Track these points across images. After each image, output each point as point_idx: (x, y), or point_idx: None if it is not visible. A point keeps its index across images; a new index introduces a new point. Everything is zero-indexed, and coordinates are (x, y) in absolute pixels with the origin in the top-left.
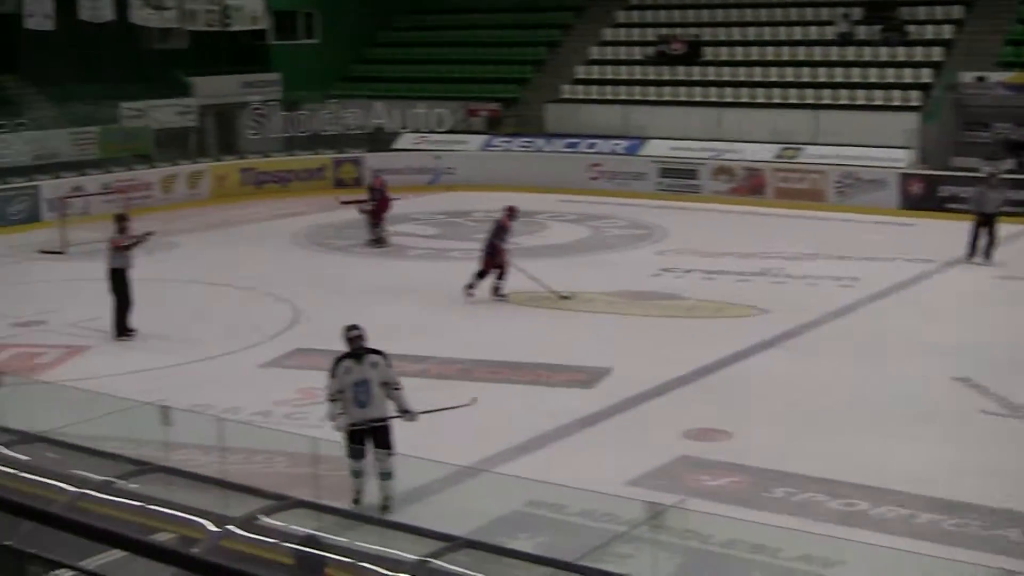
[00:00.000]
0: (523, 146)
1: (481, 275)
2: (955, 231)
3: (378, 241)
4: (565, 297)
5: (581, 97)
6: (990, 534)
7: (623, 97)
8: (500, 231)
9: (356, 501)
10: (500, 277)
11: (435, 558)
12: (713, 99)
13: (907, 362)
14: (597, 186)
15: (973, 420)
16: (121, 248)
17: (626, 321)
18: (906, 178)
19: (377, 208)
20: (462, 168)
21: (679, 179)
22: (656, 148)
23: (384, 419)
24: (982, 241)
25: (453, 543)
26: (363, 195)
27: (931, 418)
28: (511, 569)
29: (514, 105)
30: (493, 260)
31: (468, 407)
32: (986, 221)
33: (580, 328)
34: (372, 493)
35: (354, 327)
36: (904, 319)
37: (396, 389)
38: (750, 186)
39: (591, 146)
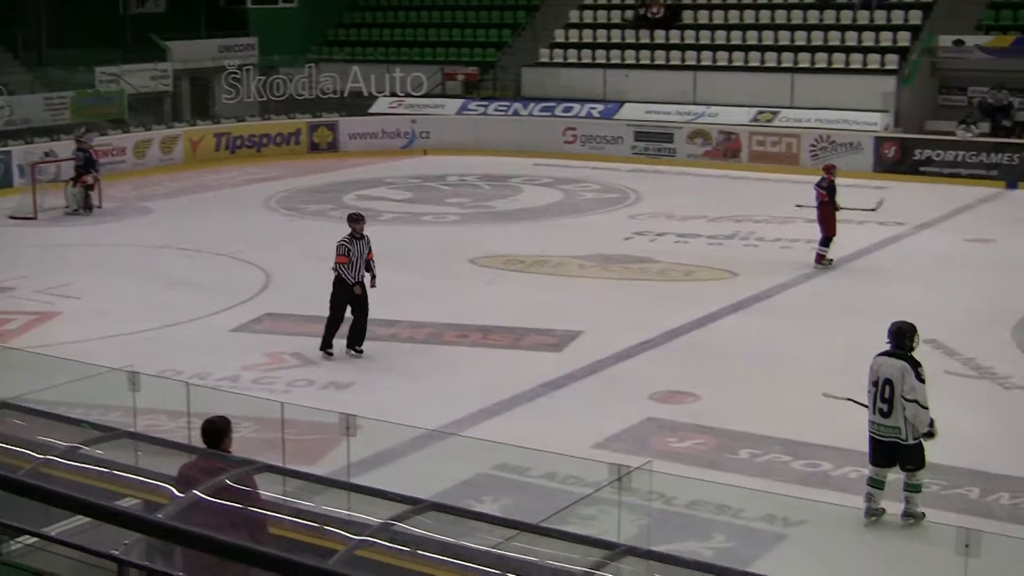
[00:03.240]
0: (499, 110)
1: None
2: (928, 194)
3: (86, 208)
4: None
5: (559, 61)
6: (950, 493)
7: (601, 61)
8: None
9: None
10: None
11: (400, 520)
12: (690, 63)
13: (875, 324)
14: (572, 150)
15: (939, 381)
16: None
17: (597, 285)
18: (881, 141)
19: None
20: (437, 132)
21: (654, 143)
22: (631, 112)
23: None
24: None
25: (418, 506)
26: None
27: None
28: (475, 532)
29: (492, 69)
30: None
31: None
32: None
33: (552, 292)
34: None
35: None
36: (874, 282)
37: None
38: (725, 150)
39: (567, 110)
